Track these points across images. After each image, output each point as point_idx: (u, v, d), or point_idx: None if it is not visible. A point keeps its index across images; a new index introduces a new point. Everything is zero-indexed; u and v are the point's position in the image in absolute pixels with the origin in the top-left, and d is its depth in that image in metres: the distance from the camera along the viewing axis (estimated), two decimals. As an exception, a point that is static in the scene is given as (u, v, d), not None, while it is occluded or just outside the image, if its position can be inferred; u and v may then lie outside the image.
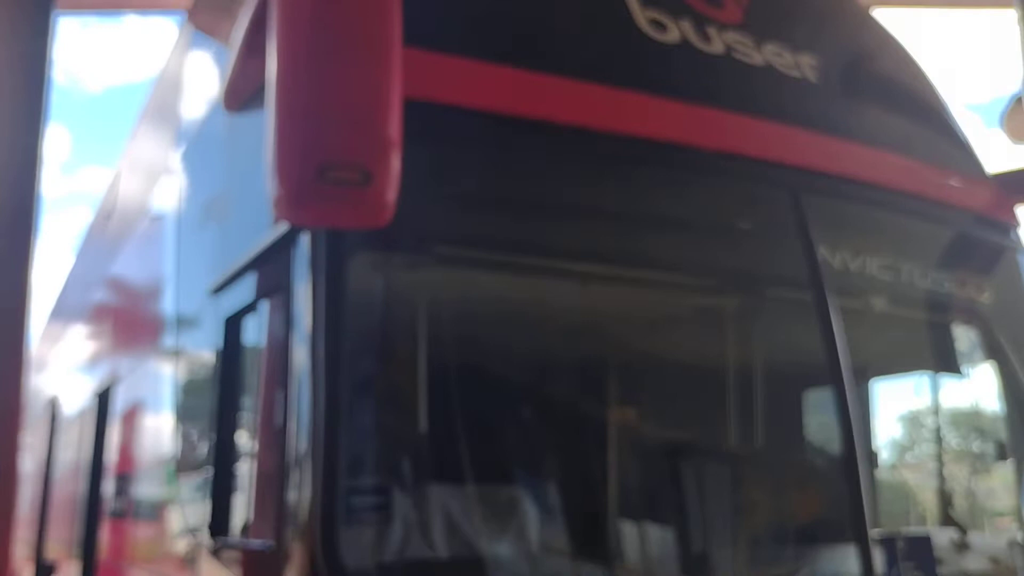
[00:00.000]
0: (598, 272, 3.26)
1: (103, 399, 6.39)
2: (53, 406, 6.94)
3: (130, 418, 5.47)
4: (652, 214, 3.30)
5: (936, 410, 4.26)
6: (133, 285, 6.33)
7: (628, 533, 3.40)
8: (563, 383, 3.43)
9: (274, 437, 3.06)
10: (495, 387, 3.22)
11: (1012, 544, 4.07)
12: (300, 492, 2.68)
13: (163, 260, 5.16)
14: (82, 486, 6.61)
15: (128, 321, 6.40)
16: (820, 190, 3.37)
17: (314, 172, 2.27)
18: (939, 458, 4.31)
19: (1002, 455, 4.23)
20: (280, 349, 3.09)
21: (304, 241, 2.96)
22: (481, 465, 3.05)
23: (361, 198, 2.32)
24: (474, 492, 3.01)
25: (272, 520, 2.96)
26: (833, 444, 3.74)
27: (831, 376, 3.15)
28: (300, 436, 2.76)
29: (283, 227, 3.08)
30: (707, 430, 3.64)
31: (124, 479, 5.43)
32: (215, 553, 3.47)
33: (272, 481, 3.07)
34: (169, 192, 5.30)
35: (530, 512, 3.09)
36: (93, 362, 7.16)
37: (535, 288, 3.28)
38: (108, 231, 7.81)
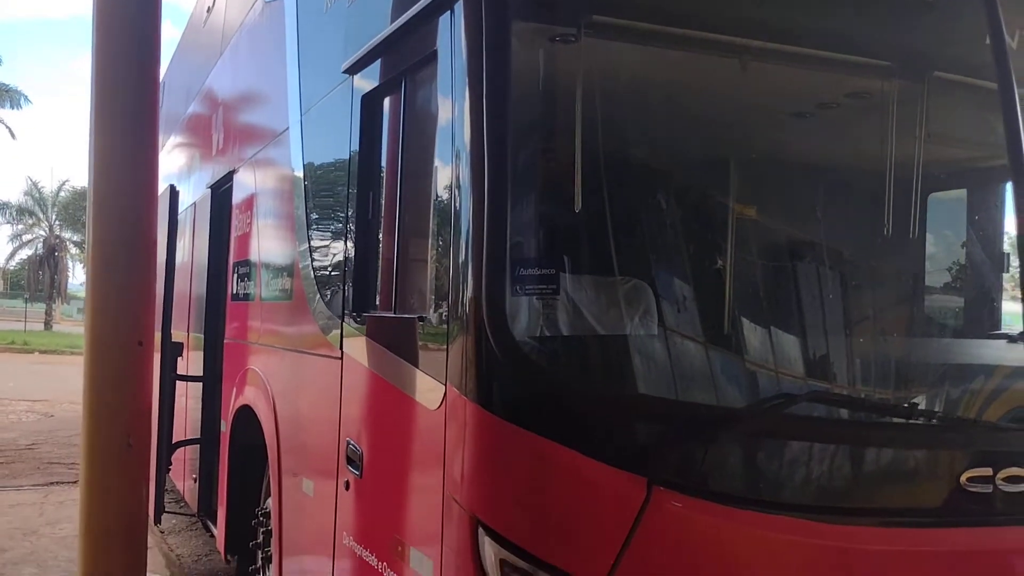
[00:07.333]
0: (758, 47, 3.05)
1: (219, 190, 6.47)
2: (170, 195, 7.07)
3: (251, 207, 5.54)
4: None
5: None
6: (246, 73, 6.26)
7: (754, 329, 3.33)
8: (722, 172, 3.28)
9: (430, 214, 3.04)
10: (649, 172, 3.11)
11: None
12: (466, 266, 2.67)
13: (280, 45, 5.04)
14: (202, 272, 6.82)
15: (242, 110, 6.38)
16: None
17: None
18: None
19: None
20: (434, 122, 3.02)
21: (459, 8, 2.82)
22: (624, 252, 2.99)
23: None
24: (612, 280, 2.96)
25: (428, 295, 3.00)
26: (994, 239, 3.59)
27: (1016, 173, 2.89)
28: (463, 212, 2.72)
29: None
30: (862, 227, 3.46)
31: (246, 265, 5.56)
32: (362, 327, 3.55)
33: (427, 258, 3.07)
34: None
35: (668, 302, 3.03)
36: (208, 151, 7.22)
37: (695, 64, 3.09)
38: (210, 23, 7.68)
